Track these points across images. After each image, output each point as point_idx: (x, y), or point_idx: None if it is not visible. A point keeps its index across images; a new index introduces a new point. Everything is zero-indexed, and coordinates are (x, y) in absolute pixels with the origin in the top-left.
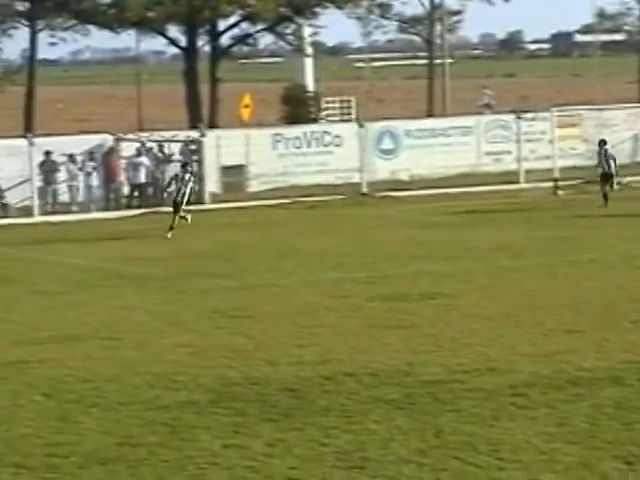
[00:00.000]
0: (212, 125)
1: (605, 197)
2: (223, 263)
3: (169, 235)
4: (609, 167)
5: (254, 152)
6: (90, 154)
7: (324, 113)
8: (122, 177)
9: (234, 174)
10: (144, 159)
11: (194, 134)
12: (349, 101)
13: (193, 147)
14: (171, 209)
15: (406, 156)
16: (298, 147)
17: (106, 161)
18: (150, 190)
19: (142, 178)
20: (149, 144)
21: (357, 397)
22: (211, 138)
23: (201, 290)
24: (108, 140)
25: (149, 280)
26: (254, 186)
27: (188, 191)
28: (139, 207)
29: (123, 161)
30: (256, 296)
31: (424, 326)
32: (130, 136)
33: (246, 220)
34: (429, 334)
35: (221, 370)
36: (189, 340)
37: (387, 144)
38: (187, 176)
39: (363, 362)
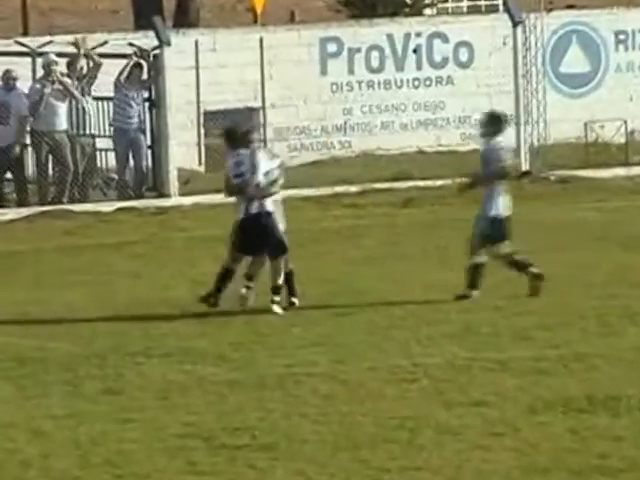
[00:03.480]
0: (182, 21)
1: None
2: None
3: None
4: None
5: (278, 81)
6: None
7: None
8: None
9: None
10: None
11: (143, 41)
12: None
13: (140, 70)
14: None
15: (618, 89)
16: (376, 70)
17: None
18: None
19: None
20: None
21: None
22: (180, 49)
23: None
24: None
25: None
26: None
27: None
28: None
29: None
30: None
31: None
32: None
33: None
34: None
35: None
36: None
37: (576, 62)
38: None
39: None
